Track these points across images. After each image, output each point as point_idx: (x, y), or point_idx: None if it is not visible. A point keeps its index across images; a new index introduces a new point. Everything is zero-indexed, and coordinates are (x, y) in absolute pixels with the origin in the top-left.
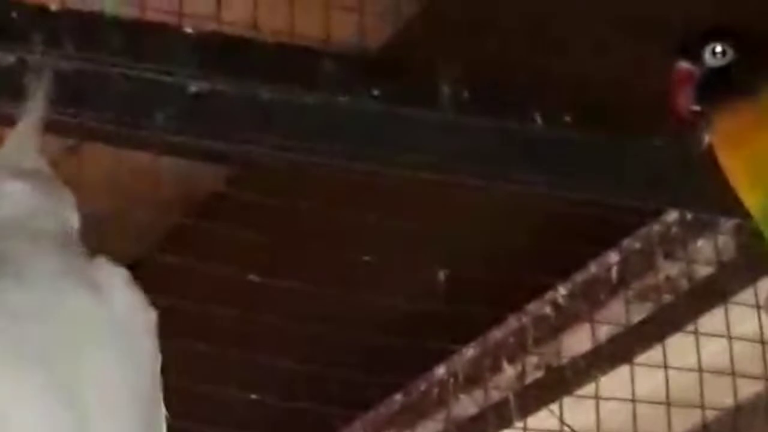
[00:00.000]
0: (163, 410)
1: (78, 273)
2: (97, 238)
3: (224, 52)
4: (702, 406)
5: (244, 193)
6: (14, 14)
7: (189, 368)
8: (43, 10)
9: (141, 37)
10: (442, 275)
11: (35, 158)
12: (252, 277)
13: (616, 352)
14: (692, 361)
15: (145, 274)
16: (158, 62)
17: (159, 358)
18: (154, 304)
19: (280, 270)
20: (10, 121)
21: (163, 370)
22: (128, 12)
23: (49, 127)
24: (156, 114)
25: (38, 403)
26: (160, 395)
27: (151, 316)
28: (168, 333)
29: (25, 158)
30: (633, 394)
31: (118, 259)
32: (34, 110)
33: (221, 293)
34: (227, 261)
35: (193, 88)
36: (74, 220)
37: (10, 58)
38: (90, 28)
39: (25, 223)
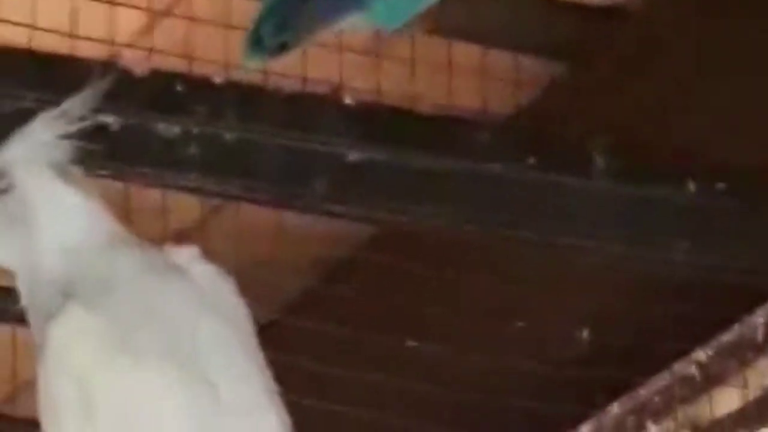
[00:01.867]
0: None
1: (160, 264)
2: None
3: (381, 122)
4: None
5: (381, 255)
6: (179, 87)
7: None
8: (207, 82)
9: (301, 108)
10: (585, 336)
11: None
12: (391, 339)
13: (764, 411)
14: None
15: (279, 335)
16: (317, 132)
17: (248, 314)
18: (288, 365)
19: (416, 334)
20: (176, 188)
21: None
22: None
23: (209, 191)
24: (314, 182)
25: (182, 390)
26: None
27: (230, 279)
28: (300, 393)
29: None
30: None
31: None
32: None
33: (356, 356)
34: (365, 323)
35: (350, 157)
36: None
37: (175, 129)
38: (252, 100)
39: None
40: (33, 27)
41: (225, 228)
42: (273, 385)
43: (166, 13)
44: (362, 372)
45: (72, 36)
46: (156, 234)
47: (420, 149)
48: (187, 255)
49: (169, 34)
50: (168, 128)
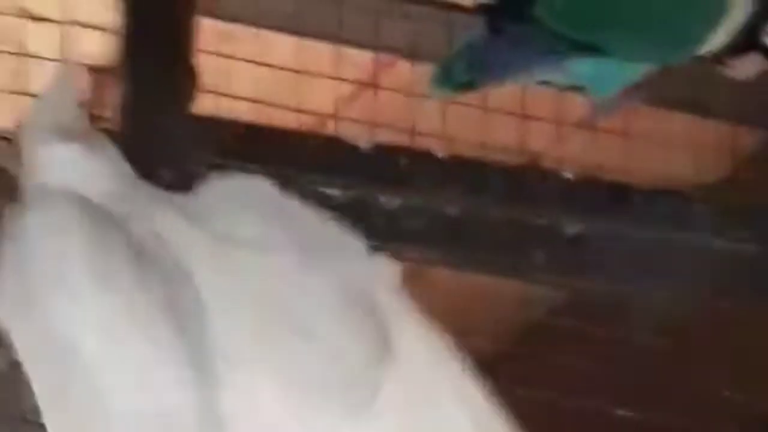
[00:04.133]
0: None
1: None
2: None
3: (600, 197)
4: None
5: (573, 319)
6: (402, 161)
7: None
8: (430, 155)
9: (522, 181)
10: None
11: (80, 119)
12: (588, 404)
13: None
14: None
15: None
16: (537, 205)
17: None
18: None
19: (608, 399)
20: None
21: None
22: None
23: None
24: (532, 254)
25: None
26: None
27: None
28: None
29: (69, 120)
30: None
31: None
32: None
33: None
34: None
35: (570, 230)
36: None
37: (395, 202)
38: (474, 173)
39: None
40: (261, 102)
41: (422, 286)
42: None
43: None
44: None
45: (299, 111)
46: None
47: (636, 222)
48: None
49: (389, 107)
50: (390, 201)
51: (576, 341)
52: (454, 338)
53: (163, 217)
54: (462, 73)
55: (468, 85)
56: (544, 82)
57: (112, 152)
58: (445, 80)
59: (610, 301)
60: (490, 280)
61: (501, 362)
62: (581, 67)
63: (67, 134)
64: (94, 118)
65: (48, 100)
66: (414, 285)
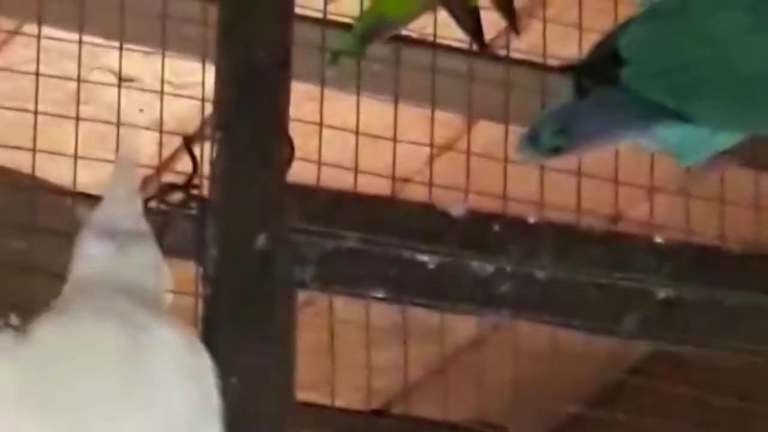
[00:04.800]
0: None
1: (122, 315)
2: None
3: (691, 261)
4: None
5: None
6: (495, 227)
7: None
8: (523, 221)
9: (614, 246)
10: None
11: (133, 217)
12: None
13: None
14: None
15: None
16: (629, 270)
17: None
18: None
19: None
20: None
21: None
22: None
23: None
24: (624, 318)
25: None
26: None
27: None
28: None
29: (123, 217)
30: None
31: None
32: (129, 168)
33: None
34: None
35: (661, 294)
36: (155, 284)
37: (489, 268)
38: (566, 239)
39: (95, 279)
40: (358, 171)
41: (502, 345)
42: None
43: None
44: None
45: (394, 179)
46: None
47: (729, 287)
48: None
49: (479, 171)
50: (482, 267)
51: (655, 400)
52: (541, 402)
53: None
54: (549, 138)
55: (556, 150)
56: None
57: (150, 252)
58: (533, 145)
59: (691, 360)
60: (575, 341)
61: (575, 423)
62: (670, 133)
63: (107, 231)
64: (187, 186)
65: (108, 193)
66: (495, 342)
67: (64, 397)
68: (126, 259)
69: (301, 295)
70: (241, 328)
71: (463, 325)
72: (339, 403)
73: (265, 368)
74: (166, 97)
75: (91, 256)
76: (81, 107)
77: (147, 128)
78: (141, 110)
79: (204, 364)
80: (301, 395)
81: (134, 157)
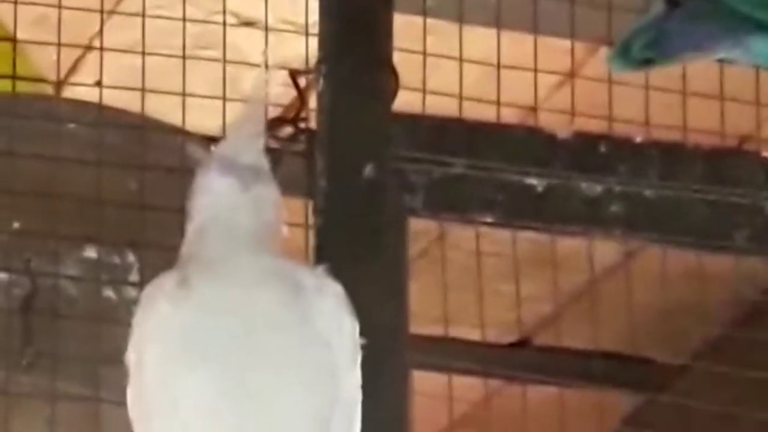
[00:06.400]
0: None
1: (279, 274)
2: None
3: None
4: None
5: None
6: (602, 147)
7: None
8: (629, 141)
9: (720, 162)
10: None
11: (255, 151)
12: None
13: None
14: None
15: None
16: (736, 185)
17: (356, 392)
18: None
19: None
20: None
21: None
22: None
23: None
24: (734, 234)
25: (207, 392)
26: (351, 427)
27: (356, 344)
28: None
29: (244, 151)
30: None
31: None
32: (254, 106)
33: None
34: None
35: None
36: (275, 220)
37: (598, 189)
38: (672, 157)
39: (225, 220)
40: (460, 97)
41: (645, 271)
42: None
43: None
44: None
45: (497, 103)
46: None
47: None
48: (327, 288)
49: (587, 95)
50: (591, 187)
51: None
52: (666, 322)
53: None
54: (641, 50)
55: (647, 63)
56: (730, 61)
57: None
58: (625, 57)
59: None
60: (700, 261)
61: (724, 344)
62: (763, 46)
63: (229, 166)
64: (296, 120)
65: (232, 130)
66: (638, 267)
67: (226, 354)
68: (250, 196)
69: (434, 229)
70: (353, 257)
71: (599, 254)
72: (480, 337)
73: (377, 297)
74: (287, 38)
75: (215, 192)
76: (204, 52)
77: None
78: (263, 52)
79: (353, 324)
80: (444, 329)
81: (262, 95)
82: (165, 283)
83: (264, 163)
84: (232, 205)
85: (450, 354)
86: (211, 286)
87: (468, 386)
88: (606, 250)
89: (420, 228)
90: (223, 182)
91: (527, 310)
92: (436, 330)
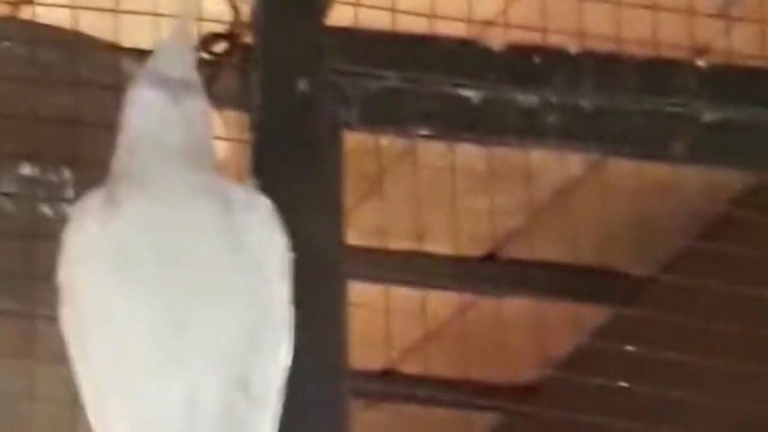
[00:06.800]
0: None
1: (209, 191)
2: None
3: (733, 82)
4: None
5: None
6: (536, 59)
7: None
8: (563, 53)
9: (654, 72)
10: None
11: (185, 66)
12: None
13: None
14: None
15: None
16: (672, 95)
17: (285, 307)
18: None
19: None
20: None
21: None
22: None
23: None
24: (672, 144)
25: (139, 309)
26: (281, 340)
27: (286, 258)
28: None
29: (175, 66)
30: None
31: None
32: (185, 21)
33: (736, 312)
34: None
35: (706, 118)
36: (205, 135)
37: (533, 99)
38: (607, 68)
39: (155, 134)
40: (394, 10)
41: (601, 185)
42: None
43: None
44: (742, 329)
45: (432, 16)
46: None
47: None
48: (255, 204)
49: (522, 9)
50: (527, 99)
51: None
52: (642, 236)
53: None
54: None
55: None
56: None
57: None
58: None
59: None
60: (669, 174)
61: (687, 256)
62: None
63: (160, 80)
64: (230, 35)
65: (162, 45)
66: (595, 181)
67: (156, 270)
68: (180, 110)
69: (399, 145)
70: (289, 171)
71: (557, 168)
72: (449, 250)
73: (314, 208)
74: None
75: (145, 105)
76: None
77: None
78: None
79: (283, 239)
80: (411, 244)
81: (193, 9)
82: (92, 201)
83: (195, 77)
84: (163, 119)
85: (389, 266)
86: (140, 202)
87: (442, 300)
88: (575, 162)
89: (385, 144)
90: (153, 95)
91: (492, 224)
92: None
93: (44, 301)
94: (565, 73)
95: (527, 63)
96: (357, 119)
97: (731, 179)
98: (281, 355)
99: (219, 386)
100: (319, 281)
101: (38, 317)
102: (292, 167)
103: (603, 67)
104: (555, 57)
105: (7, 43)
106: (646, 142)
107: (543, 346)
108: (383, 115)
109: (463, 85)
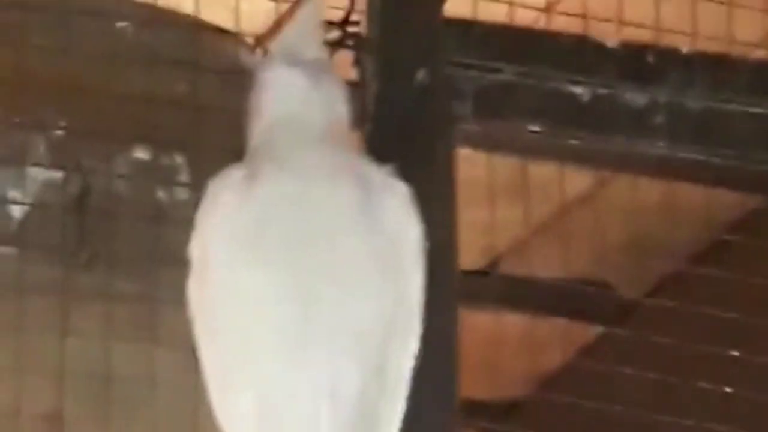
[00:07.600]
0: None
1: (348, 171)
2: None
3: None
4: None
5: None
6: (649, 57)
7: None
8: (676, 52)
9: (766, 75)
10: None
11: (316, 47)
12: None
13: None
14: None
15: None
16: None
17: (418, 293)
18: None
19: None
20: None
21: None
22: None
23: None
24: None
25: (273, 288)
26: (413, 328)
27: (420, 245)
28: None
29: (306, 47)
30: None
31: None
32: (315, 2)
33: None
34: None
35: None
36: (344, 114)
37: (643, 99)
38: (719, 69)
39: (295, 114)
40: (512, 3)
41: (613, 201)
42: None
43: None
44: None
45: (547, 11)
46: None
47: None
48: (392, 186)
49: (636, 8)
50: (635, 98)
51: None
52: (636, 260)
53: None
54: None
55: None
56: None
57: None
58: None
59: None
60: (669, 195)
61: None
62: None
63: (291, 60)
64: (344, 23)
65: (289, 28)
66: (606, 198)
67: (293, 248)
68: (319, 89)
69: None
70: (402, 163)
71: (570, 182)
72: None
73: (426, 201)
74: None
75: (284, 85)
76: None
77: None
78: None
79: (418, 225)
80: None
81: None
82: (231, 177)
83: (326, 56)
84: (303, 99)
85: None
86: (279, 180)
87: None
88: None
89: None
90: (292, 76)
91: (497, 236)
92: None
93: (164, 286)
94: (677, 73)
95: (641, 61)
96: (470, 113)
97: (732, 202)
98: (412, 344)
99: (359, 374)
100: (435, 277)
101: (160, 301)
102: (406, 158)
103: (714, 67)
104: (668, 56)
105: (122, 24)
106: (755, 144)
107: (534, 363)
108: (494, 109)
109: (576, 82)
